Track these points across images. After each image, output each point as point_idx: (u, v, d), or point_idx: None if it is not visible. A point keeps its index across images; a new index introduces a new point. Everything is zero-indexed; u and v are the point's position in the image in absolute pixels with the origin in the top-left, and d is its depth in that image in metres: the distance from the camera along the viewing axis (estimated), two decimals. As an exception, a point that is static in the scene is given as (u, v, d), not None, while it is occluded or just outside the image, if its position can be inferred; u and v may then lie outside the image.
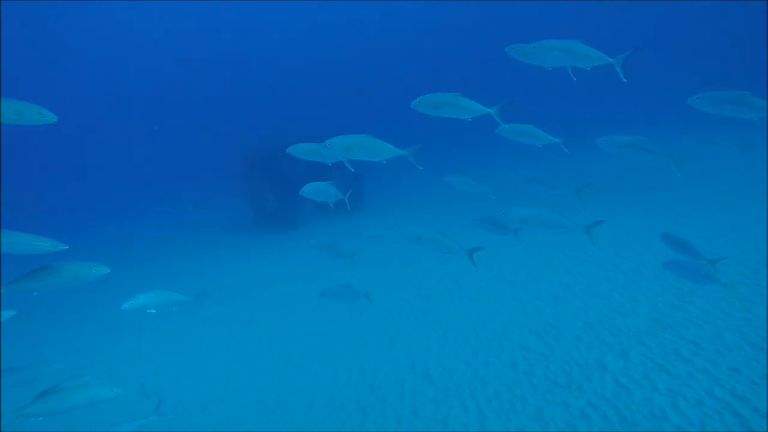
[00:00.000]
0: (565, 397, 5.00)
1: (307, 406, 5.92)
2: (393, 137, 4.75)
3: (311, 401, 6.02)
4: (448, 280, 8.98)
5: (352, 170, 5.27)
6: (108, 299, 9.62)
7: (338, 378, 6.41)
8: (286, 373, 6.81)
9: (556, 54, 4.31)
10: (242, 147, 17.73)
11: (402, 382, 5.99)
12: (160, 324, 9.39)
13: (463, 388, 5.58)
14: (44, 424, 5.88)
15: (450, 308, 7.76)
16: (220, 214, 21.84)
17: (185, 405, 6.49)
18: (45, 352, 8.98)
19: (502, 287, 8.11)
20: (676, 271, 4.90)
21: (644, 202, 11.76)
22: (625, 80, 4.28)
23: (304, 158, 5.10)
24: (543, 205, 5.31)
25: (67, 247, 4.22)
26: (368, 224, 14.90)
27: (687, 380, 4.80)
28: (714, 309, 5.98)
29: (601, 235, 9.70)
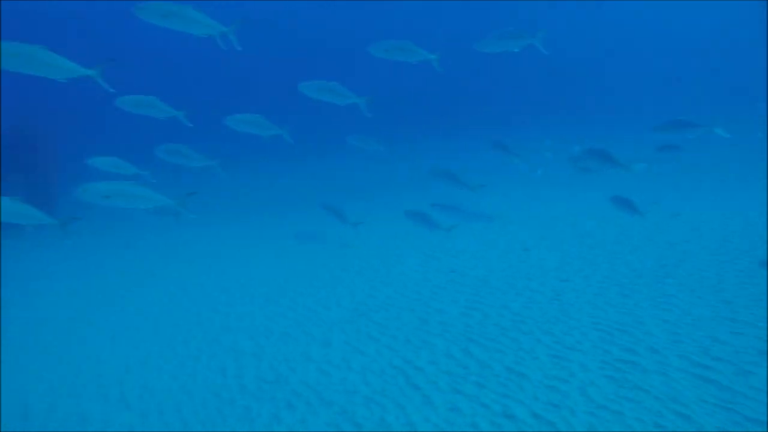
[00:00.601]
0: (272, 392, 5.10)
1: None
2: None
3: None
4: (153, 288, 8.16)
5: None
6: None
7: (-6, 428, 4.97)
8: None
9: (392, 51, 5.39)
10: None
11: (87, 414, 5.06)
12: None
13: (167, 406, 5.07)
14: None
15: (155, 320, 7.03)
16: None
17: None
18: None
19: (216, 294, 7.83)
20: (413, 220, 5.99)
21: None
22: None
23: None
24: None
25: None
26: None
27: (375, 357, 5.53)
28: (397, 295, 7.11)
29: (325, 235, 10.49)
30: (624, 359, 4.78)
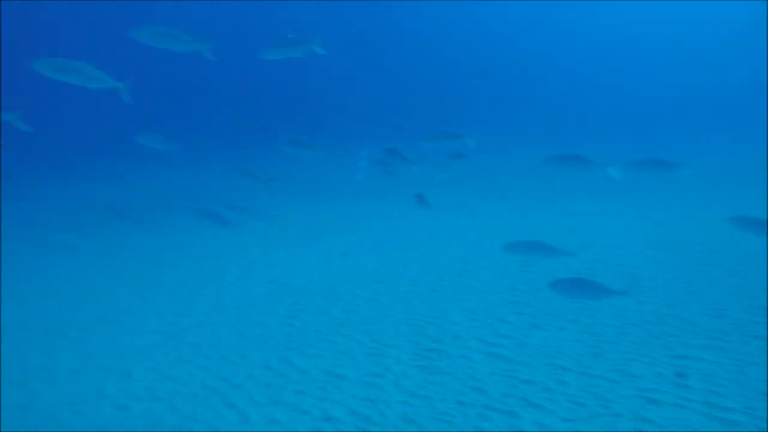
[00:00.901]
0: (52, 442, 4.22)
1: None
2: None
3: None
4: None
5: None
6: None
7: None
8: None
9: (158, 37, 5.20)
10: None
11: None
12: None
13: None
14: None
15: None
16: None
17: None
18: None
19: (51, 320, 6.27)
20: (203, 218, 5.71)
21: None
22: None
23: None
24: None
25: None
26: None
27: (186, 380, 5.01)
28: (213, 311, 6.61)
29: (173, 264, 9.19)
30: (432, 348, 5.18)
